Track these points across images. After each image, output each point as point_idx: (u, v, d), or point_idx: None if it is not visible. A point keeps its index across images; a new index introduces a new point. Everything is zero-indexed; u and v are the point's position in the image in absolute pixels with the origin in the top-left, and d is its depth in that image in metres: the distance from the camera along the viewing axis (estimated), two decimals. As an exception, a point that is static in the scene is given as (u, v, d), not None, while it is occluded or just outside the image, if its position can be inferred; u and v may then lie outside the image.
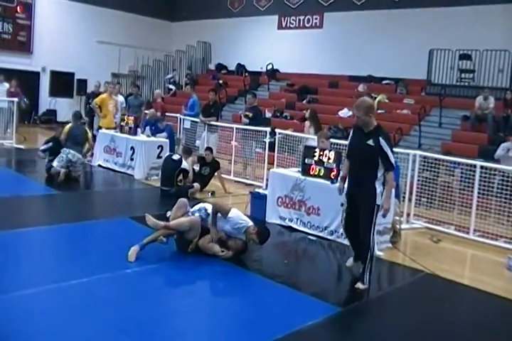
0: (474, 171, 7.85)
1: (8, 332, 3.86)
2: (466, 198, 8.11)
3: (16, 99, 13.85)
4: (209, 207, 6.04)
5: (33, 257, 5.64)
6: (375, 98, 14.51)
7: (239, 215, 5.94)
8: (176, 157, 9.01)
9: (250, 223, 5.90)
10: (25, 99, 15.01)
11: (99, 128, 11.76)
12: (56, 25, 19.20)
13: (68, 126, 9.81)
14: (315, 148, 7.55)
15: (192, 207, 6.06)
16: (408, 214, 8.25)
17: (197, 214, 5.89)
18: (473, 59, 13.77)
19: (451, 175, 8.77)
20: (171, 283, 5.21)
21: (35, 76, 19.17)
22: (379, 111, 13.93)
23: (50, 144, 9.68)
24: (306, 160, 7.42)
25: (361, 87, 15.42)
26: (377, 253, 6.54)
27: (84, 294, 4.60)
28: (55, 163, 9.32)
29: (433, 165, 8.50)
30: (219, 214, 5.86)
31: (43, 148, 9.76)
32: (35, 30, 19.06)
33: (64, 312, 4.24)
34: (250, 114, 11.09)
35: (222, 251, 5.78)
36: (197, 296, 4.93)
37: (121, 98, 12.55)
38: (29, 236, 6.23)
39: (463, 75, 14.08)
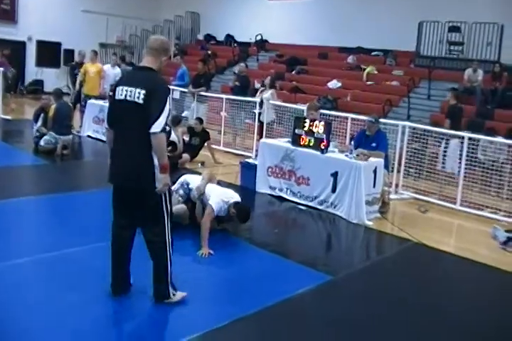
0: (462, 143, 7.93)
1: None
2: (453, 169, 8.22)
3: (1, 69, 13.62)
4: (189, 179, 6.00)
5: (23, 227, 5.67)
6: (365, 69, 14.50)
7: (221, 200, 5.57)
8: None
9: (231, 201, 5.61)
10: (12, 69, 14.79)
11: (86, 96, 11.62)
12: (40, -8, 18.79)
13: (53, 106, 9.34)
14: (305, 118, 7.57)
15: (175, 182, 5.94)
16: (397, 185, 8.34)
17: (181, 192, 5.89)
18: (463, 31, 13.72)
19: (439, 147, 8.84)
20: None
21: (20, 46, 18.82)
22: (368, 83, 13.99)
23: (41, 119, 9.34)
24: (296, 131, 7.44)
25: (350, 58, 15.36)
26: (367, 222, 6.66)
27: (76, 263, 4.64)
28: (42, 143, 9.13)
29: (422, 136, 8.57)
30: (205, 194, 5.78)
31: (38, 125, 9.37)
32: (19, -2, 18.66)
33: (55, 281, 4.29)
34: (238, 83, 11.17)
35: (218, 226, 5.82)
36: (188, 265, 4.95)
37: (117, 70, 12.31)
38: (18, 206, 6.24)
39: (452, 47, 14.04)
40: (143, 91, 3.69)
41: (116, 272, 4.08)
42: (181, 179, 6.06)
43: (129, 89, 3.75)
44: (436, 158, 8.67)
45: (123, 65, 12.76)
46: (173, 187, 5.66)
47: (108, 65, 12.58)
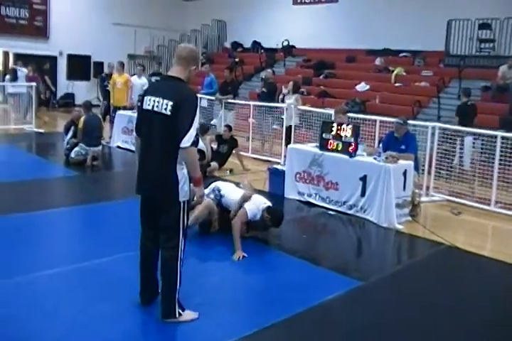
0: (495, 142, 7.74)
1: (31, 310, 3.96)
2: (487, 169, 8.02)
3: (34, 84, 13.96)
4: (221, 186, 6.03)
5: (55, 238, 5.77)
6: (393, 71, 14.34)
7: (256, 205, 5.69)
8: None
9: (265, 206, 5.70)
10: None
11: (115, 108, 11.80)
12: (71, 8, 19.21)
13: (82, 118, 9.46)
14: (332, 122, 7.51)
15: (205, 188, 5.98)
16: (428, 187, 8.19)
17: (212, 196, 5.89)
18: (493, 28, 13.45)
19: (471, 147, 8.66)
20: (193, 260, 5.21)
21: (52, 60, 19.23)
22: (397, 85, 13.83)
23: (72, 131, 9.53)
24: (323, 135, 7.39)
25: (378, 61, 15.24)
26: (397, 226, 6.55)
27: (106, 273, 4.68)
28: (72, 154, 9.29)
29: (453, 137, 8.42)
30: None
31: (68, 138, 9.56)
32: (51, 15, 19.12)
33: (85, 291, 4.33)
34: (264, 89, 11.23)
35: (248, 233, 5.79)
36: (218, 272, 5.00)
37: (143, 80, 12.47)
38: (50, 218, 6.35)
39: (482, 45, 13.77)
40: (170, 103, 3.63)
41: (144, 281, 4.09)
42: (213, 185, 6.09)
43: (156, 99, 3.70)
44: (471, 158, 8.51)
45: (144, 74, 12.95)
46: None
47: (135, 75, 12.73)
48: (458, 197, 7.98)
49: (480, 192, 8.02)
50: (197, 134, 3.66)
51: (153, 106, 3.71)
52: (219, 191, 5.93)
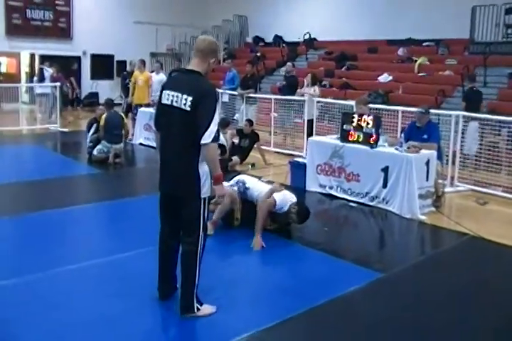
0: (481, 124, 7.60)
1: (52, 305, 4.00)
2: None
3: (58, 84, 14.16)
4: (246, 179, 6.01)
5: (79, 234, 5.80)
6: (416, 61, 14.12)
7: (284, 198, 5.68)
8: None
9: (293, 200, 5.71)
10: (67, 84, 15.46)
11: (136, 105, 11.86)
12: (94, 9, 19.41)
13: (104, 115, 9.47)
14: (353, 113, 7.43)
15: (229, 181, 5.97)
16: (452, 177, 8.04)
17: (235, 188, 5.87)
18: (522, 12, 13.14)
19: (497, 135, 8.47)
20: (214, 254, 5.17)
21: (76, 60, 19.51)
22: (420, 74, 13.61)
23: (94, 128, 9.58)
24: (344, 127, 7.31)
25: (401, 51, 15.04)
26: (421, 217, 6.44)
27: (128, 268, 4.71)
28: (94, 152, 9.36)
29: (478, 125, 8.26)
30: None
31: (90, 137, 9.61)
32: (74, 16, 19.32)
33: (107, 286, 4.36)
34: (285, 83, 11.26)
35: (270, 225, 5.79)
36: (239, 266, 4.98)
37: (161, 76, 12.51)
38: (74, 214, 6.41)
39: (509, 31, 13.46)
40: (190, 98, 3.57)
41: (163, 276, 4.09)
42: (237, 177, 6.09)
43: (175, 94, 3.64)
44: (497, 147, 8.32)
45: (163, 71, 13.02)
46: (228, 184, 5.71)
47: (154, 72, 12.79)
48: (483, 187, 7.81)
49: (507, 182, 7.84)
50: (218, 129, 3.61)
51: (172, 101, 3.66)
52: (244, 184, 5.91)
